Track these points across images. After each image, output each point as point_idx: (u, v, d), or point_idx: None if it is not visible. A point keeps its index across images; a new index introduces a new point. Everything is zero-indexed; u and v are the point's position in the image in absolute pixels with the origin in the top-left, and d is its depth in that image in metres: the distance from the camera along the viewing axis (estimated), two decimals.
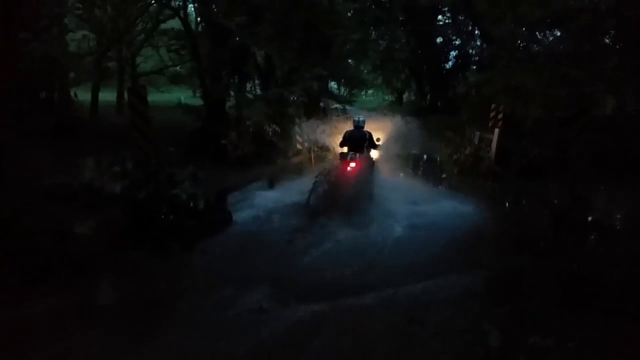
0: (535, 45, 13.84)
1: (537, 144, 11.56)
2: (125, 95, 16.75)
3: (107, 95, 21.83)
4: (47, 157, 9.14)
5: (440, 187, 11.59)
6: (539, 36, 14.28)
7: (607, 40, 12.41)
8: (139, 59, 24.66)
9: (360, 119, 10.08)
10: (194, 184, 7.39)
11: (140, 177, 6.80)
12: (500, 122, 12.40)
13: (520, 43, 13.70)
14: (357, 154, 9.43)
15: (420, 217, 8.59)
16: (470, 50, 24.18)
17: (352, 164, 9.09)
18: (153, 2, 17.76)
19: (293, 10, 14.30)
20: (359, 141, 9.63)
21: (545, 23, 12.49)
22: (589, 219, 6.50)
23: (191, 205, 7.16)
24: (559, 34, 13.88)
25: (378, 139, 10.11)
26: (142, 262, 5.94)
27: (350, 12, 17.17)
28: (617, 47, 12.03)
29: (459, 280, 5.71)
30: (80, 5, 16.36)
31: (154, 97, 16.92)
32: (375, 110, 24.19)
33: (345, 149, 9.76)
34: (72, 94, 16.13)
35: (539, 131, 11.93)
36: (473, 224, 8.28)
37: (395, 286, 5.49)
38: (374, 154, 10.26)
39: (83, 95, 17.60)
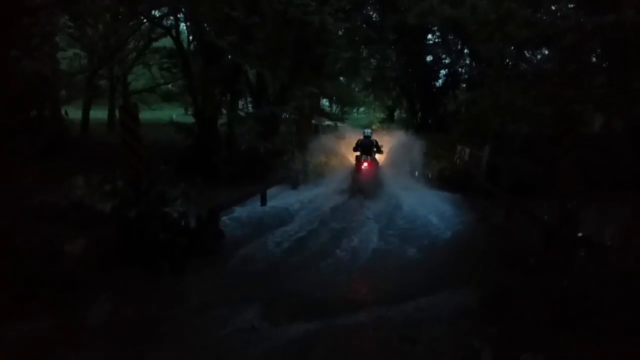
0: (523, 64, 14.05)
1: (526, 161, 11.68)
2: (117, 113, 16.77)
3: (99, 113, 21.81)
4: (36, 175, 9.08)
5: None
6: (527, 55, 14.51)
7: (593, 59, 12.64)
8: (130, 77, 24.69)
9: (368, 131, 13.63)
10: (185, 202, 7.37)
11: (131, 196, 6.78)
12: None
13: (508, 62, 13.90)
14: (368, 156, 12.69)
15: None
16: (460, 69, 24.42)
17: (365, 164, 12.55)
18: (145, 20, 17.84)
19: (285, 29, 14.43)
20: (368, 147, 12.89)
21: (533, 42, 12.70)
22: (579, 235, 6.54)
23: (182, 223, 7.14)
24: (546, 52, 14.13)
25: (381, 146, 13.22)
26: (133, 282, 5.90)
27: (341, 31, 17.29)
28: (604, 65, 12.25)
29: (451, 297, 5.73)
30: (72, 24, 16.39)
31: (145, 114, 16.91)
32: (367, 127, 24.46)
33: (357, 153, 12.94)
34: (62, 112, 16.09)
35: (528, 148, 12.06)
36: (462, 240, 8.42)
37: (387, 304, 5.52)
38: (379, 157, 13.42)
39: (74, 113, 17.56)
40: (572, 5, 11.63)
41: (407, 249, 8.03)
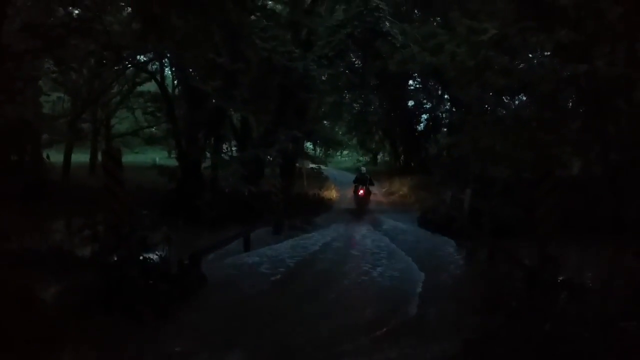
0: (501, 110, 14.40)
1: (506, 204, 11.82)
2: (99, 156, 16.72)
3: (81, 156, 21.71)
4: (15, 220, 8.93)
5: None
6: (505, 101, 14.89)
7: (570, 105, 13.00)
8: (113, 120, 24.73)
9: (364, 168, 19.97)
10: (167, 247, 7.30)
11: (111, 241, 6.69)
12: None
13: (487, 107, 14.24)
14: (363, 186, 17.68)
15: None
16: (441, 114, 24.97)
17: (361, 191, 17.69)
18: (130, 65, 18.04)
19: (269, 75, 14.72)
20: (363, 180, 17.90)
21: (511, 89, 13.06)
22: (560, 278, 6.58)
23: (164, 268, 7.04)
24: (524, 98, 14.51)
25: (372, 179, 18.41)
26: (113, 329, 5.74)
27: (324, 76, 17.74)
28: (580, 110, 12.59)
29: (435, 341, 5.68)
30: (56, 69, 16.48)
31: (128, 157, 16.89)
32: (350, 171, 24.78)
33: (356, 184, 17.97)
34: (44, 155, 15.99)
35: (509, 192, 12.24)
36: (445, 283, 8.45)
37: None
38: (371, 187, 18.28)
39: (56, 156, 17.46)
40: (547, 53, 12.02)
41: (390, 291, 8.00)
